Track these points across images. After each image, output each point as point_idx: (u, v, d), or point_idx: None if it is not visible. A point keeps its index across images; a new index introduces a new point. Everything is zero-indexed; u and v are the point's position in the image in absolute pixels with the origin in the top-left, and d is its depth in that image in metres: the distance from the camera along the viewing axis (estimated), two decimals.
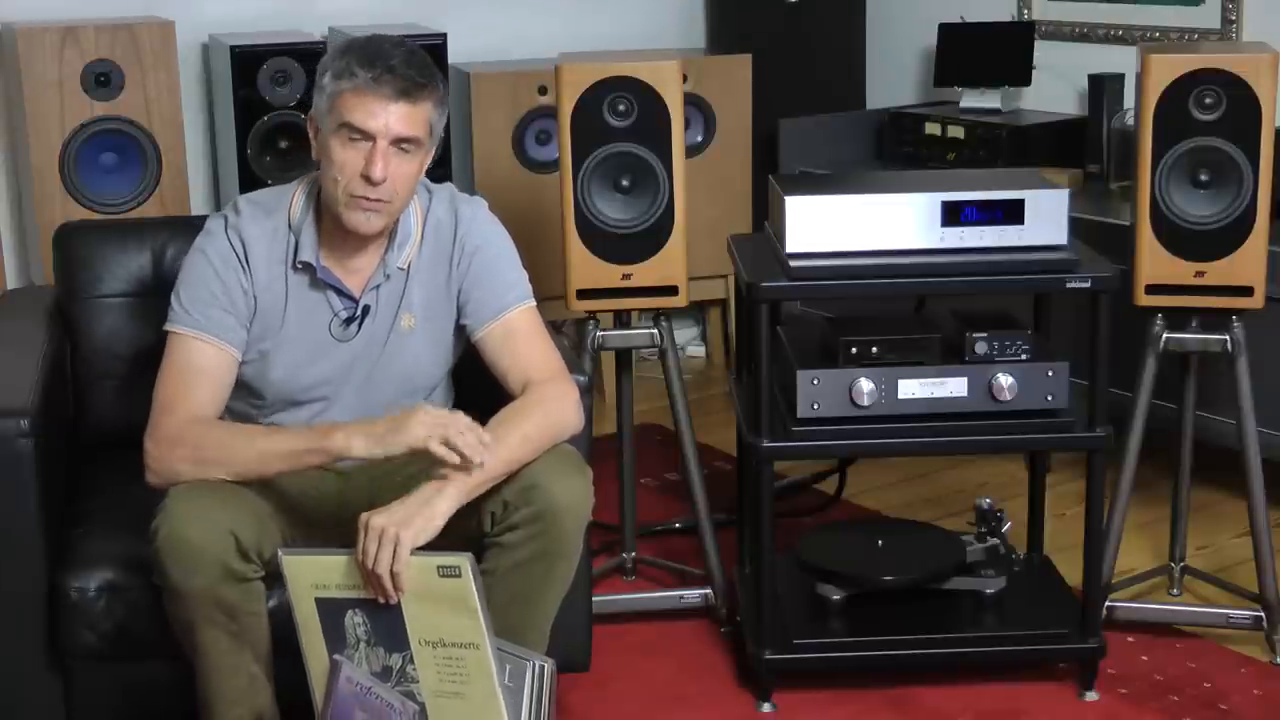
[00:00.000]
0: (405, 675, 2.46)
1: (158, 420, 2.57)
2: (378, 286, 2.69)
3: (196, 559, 2.43)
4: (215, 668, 2.53)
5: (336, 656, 2.47)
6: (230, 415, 2.72)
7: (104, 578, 2.65)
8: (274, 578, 2.54)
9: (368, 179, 2.55)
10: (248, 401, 2.74)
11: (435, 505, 2.44)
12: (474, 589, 2.39)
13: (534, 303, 2.77)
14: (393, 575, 2.39)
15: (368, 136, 2.55)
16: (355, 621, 2.46)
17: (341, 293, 2.69)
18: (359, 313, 2.70)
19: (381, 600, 2.42)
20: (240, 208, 2.70)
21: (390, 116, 2.54)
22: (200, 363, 2.62)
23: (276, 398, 2.72)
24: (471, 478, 2.48)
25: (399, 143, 2.56)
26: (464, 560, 2.39)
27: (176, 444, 2.54)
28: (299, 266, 2.67)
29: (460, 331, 2.76)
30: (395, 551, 2.38)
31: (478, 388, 2.79)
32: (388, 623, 2.44)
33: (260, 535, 2.50)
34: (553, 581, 2.60)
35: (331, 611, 2.47)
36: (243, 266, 2.65)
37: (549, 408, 2.64)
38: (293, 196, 2.70)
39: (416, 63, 2.58)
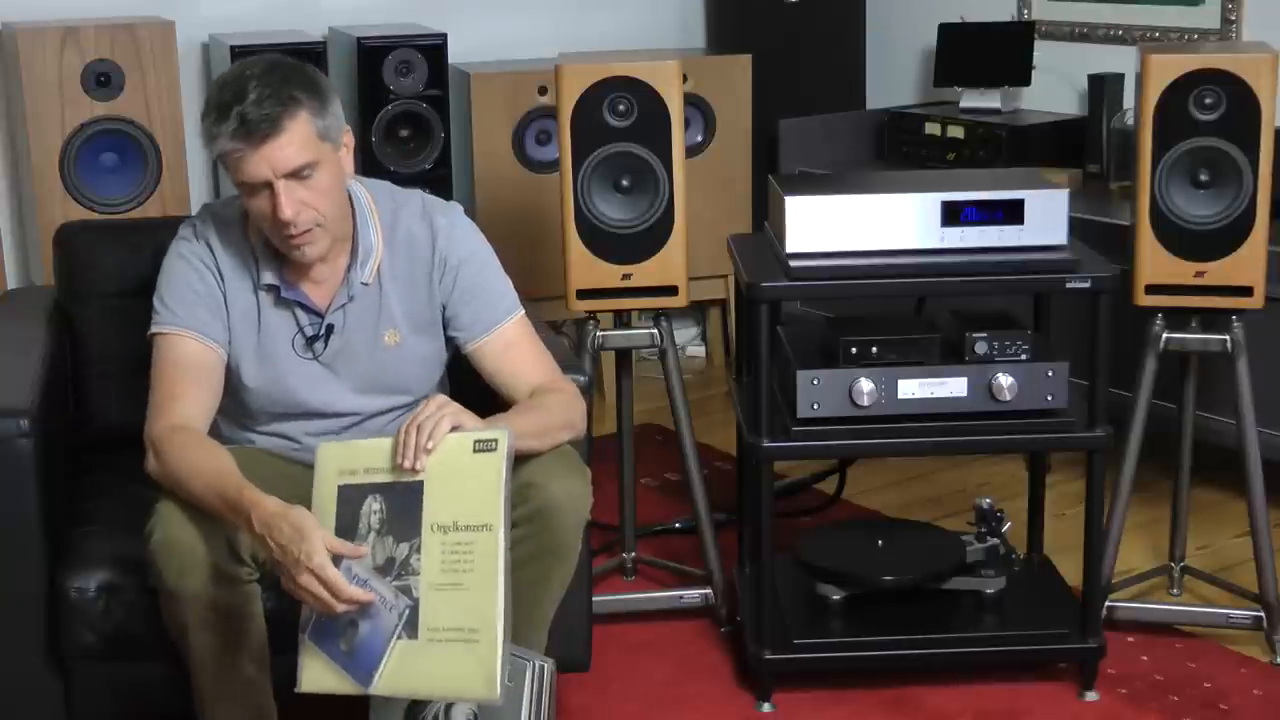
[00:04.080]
0: (408, 567, 2.40)
1: (150, 422, 2.58)
2: (343, 305, 2.68)
3: (190, 561, 2.43)
4: (210, 669, 2.53)
5: None
6: (224, 427, 2.74)
7: (104, 578, 2.64)
8: (268, 580, 2.54)
9: (281, 221, 2.52)
10: (239, 419, 2.74)
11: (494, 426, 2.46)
12: (504, 466, 2.37)
13: (523, 310, 2.77)
14: (430, 442, 2.38)
15: (262, 184, 2.51)
16: (372, 509, 2.43)
17: (308, 309, 2.68)
18: (323, 331, 2.68)
19: (409, 465, 2.39)
20: (206, 218, 2.70)
21: (267, 161, 2.48)
22: (189, 361, 2.62)
23: (260, 411, 2.72)
24: (519, 424, 2.50)
25: (293, 175, 2.51)
26: (502, 434, 2.39)
27: (157, 452, 2.55)
28: (264, 287, 2.67)
29: (449, 341, 2.76)
30: (447, 417, 2.40)
31: (477, 389, 2.79)
32: (405, 507, 2.41)
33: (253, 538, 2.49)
34: (551, 581, 2.60)
35: (351, 499, 2.44)
36: (217, 271, 2.66)
37: (567, 400, 2.67)
38: (246, 217, 2.67)
39: (270, 93, 2.47)
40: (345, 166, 2.61)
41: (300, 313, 2.68)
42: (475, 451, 2.39)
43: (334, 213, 2.59)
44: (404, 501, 2.41)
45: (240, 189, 2.54)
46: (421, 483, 2.41)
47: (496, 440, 2.38)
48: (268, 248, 2.65)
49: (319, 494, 2.46)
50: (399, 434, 2.41)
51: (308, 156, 2.51)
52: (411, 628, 2.39)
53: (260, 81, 2.49)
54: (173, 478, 2.50)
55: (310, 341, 2.68)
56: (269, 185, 2.50)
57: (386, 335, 2.71)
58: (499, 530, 2.36)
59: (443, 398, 2.47)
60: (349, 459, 2.46)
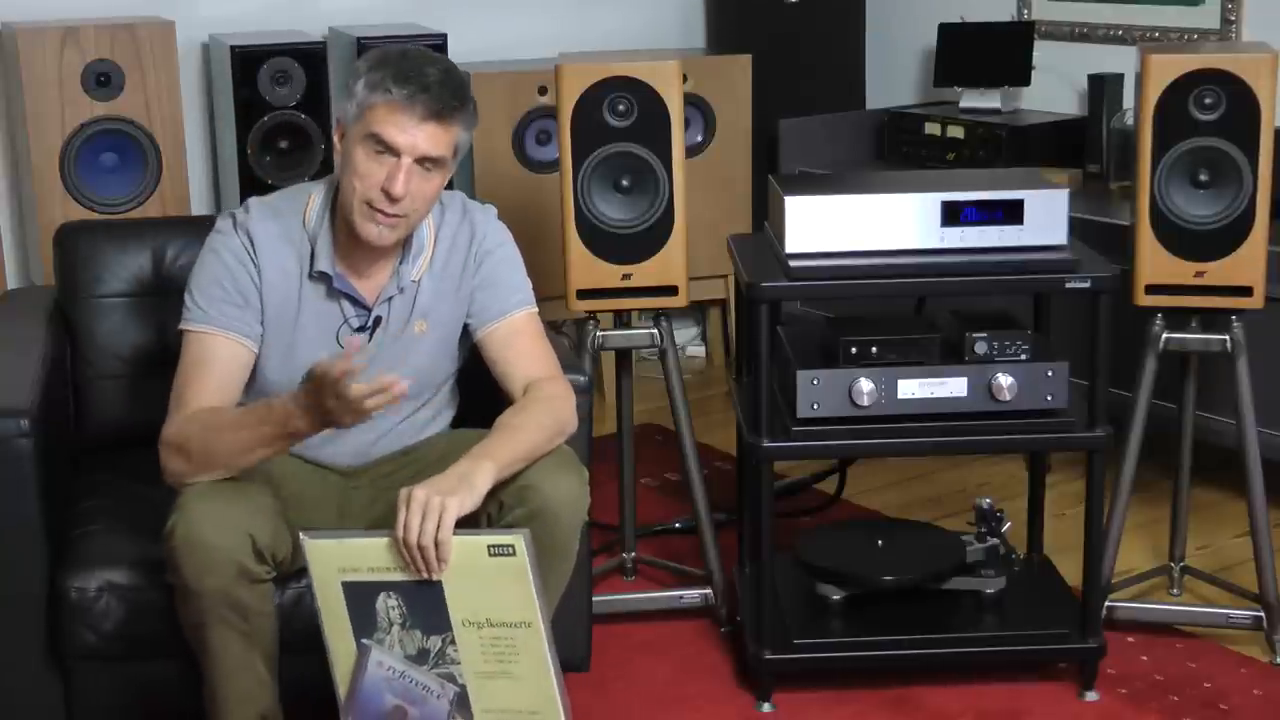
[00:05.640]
0: (445, 657, 2.42)
1: (166, 422, 2.57)
2: (390, 299, 2.70)
3: (212, 559, 2.42)
4: (226, 668, 2.53)
5: (365, 640, 2.43)
6: None
7: (104, 578, 2.64)
8: (284, 578, 2.54)
9: (387, 194, 2.55)
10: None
11: (475, 479, 2.44)
12: (529, 567, 2.36)
13: (536, 309, 2.79)
14: (437, 546, 2.36)
15: (393, 151, 2.54)
16: (389, 605, 2.42)
17: (355, 301, 2.69)
18: (370, 323, 2.70)
19: (425, 576, 2.38)
20: (250, 208, 2.70)
21: (419, 135, 2.54)
22: (211, 358, 2.61)
23: None
24: (504, 454, 2.49)
25: (423, 161, 2.56)
26: (518, 538, 2.36)
27: (174, 447, 2.53)
28: (315, 275, 2.67)
29: (466, 330, 2.77)
30: (440, 520, 2.36)
31: (480, 388, 2.79)
32: (426, 603, 2.40)
33: (275, 536, 2.50)
34: (550, 582, 2.59)
35: (361, 595, 2.43)
36: (252, 263, 2.65)
37: (556, 405, 2.66)
38: (308, 201, 2.70)
39: (451, 84, 2.58)
40: (442, 188, 2.66)
41: (347, 305, 2.69)
42: (491, 555, 2.37)
43: (420, 216, 2.64)
44: (423, 598, 2.41)
45: (364, 140, 2.55)
46: (439, 581, 2.39)
47: (512, 545, 2.37)
48: (330, 236, 2.66)
49: (323, 593, 2.44)
50: (398, 540, 2.38)
51: (444, 153, 2.58)
52: (464, 709, 2.43)
53: (444, 70, 2.59)
54: (199, 460, 2.49)
55: (357, 332, 2.69)
56: (396, 156, 2.54)
57: (416, 325, 2.72)
58: (539, 624, 2.39)
59: (420, 496, 2.38)
60: (346, 558, 2.42)
